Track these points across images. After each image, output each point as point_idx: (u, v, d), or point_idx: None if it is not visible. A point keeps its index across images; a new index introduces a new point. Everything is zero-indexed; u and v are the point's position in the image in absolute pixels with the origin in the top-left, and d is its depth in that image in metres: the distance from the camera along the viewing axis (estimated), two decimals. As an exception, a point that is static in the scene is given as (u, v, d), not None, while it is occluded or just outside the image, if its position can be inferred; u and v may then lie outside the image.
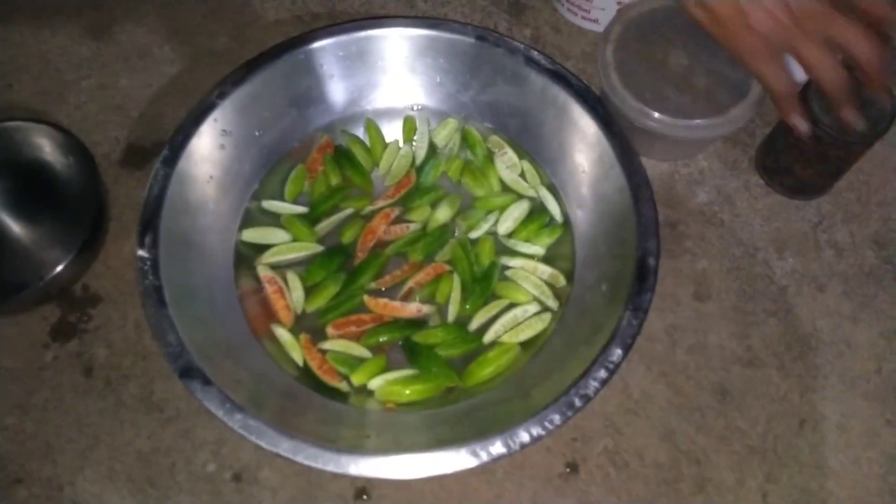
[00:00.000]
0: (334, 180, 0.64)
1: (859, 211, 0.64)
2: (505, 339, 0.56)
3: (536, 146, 0.65)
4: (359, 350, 0.56)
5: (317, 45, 0.63)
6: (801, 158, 0.61)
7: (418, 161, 0.65)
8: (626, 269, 0.54)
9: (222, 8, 0.76)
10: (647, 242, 0.54)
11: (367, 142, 0.66)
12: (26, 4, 0.77)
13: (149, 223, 0.54)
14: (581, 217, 0.62)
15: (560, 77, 0.61)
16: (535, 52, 0.62)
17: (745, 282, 0.61)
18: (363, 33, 0.64)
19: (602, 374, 0.50)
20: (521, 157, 0.65)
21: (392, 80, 0.66)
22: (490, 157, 0.65)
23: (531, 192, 0.64)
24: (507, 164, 0.65)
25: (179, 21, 0.76)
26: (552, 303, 0.58)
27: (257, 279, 0.59)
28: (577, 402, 0.49)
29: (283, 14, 0.76)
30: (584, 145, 0.61)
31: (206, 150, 0.60)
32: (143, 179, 0.59)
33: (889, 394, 0.57)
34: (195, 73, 0.73)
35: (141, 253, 0.53)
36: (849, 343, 0.59)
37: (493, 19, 0.76)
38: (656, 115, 0.59)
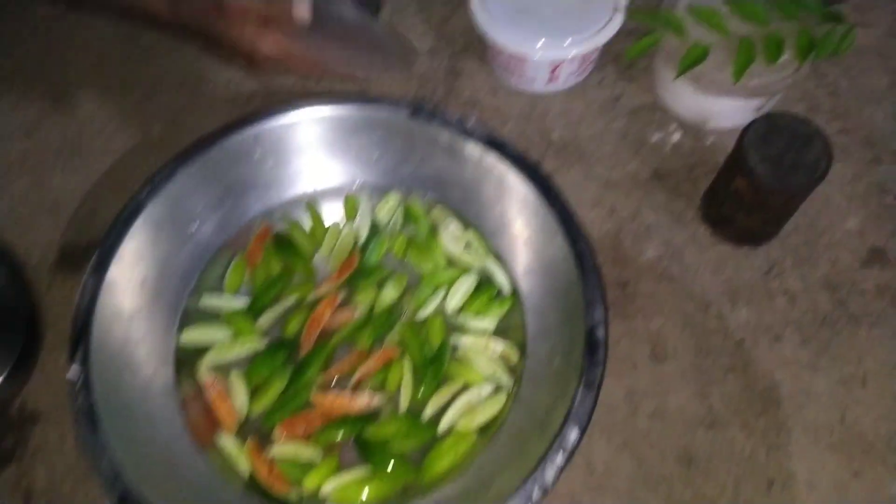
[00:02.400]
0: (275, 269, 0.62)
1: (808, 254, 0.64)
2: (461, 425, 0.55)
3: (479, 215, 0.64)
4: (309, 452, 0.53)
5: (248, 132, 0.62)
6: (742, 207, 0.60)
7: (361, 240, 0.64)
8: (576, 341, 0.53)
9: (155, 94, 0.75)
10: (595, 312, 0.53)
11: (308, 225, 0.65)
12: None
13: (79, 339, 0.52)
14: (529, 287, 0.60)
15: (496, 146, 0.61)
16: (470, 123, 0.62)
17: (701, 338, 0.60)
18: (294, 116, 0.63)
19: (560, 459, 0.48)
20: (465, 227, 0.64)
21: (328, 159, 0.65)
22: (434, 230, 0.64)
23: (478, 264, 0.62)
24: (452, 236, 0.64)
25: (112, 111, 0.74)
26: (506, 381, 0.57)
27: (199, 384, 0.57)
28: (537, 494, 0.47)
29: (219, 94, 0.75)
30: (525, 214, 0.60)
31: (139, 251, 0.58)
32: (79, 283, 0.57)
33: (854, 444, 0.56)
34: (129, 165, 0.71)
35: (70, 373, 0.50)
36: (809, 393, 0.58)
37: (431, 85, 0.75)
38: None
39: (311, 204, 0.65)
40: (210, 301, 0.61)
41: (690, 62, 0.64)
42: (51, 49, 0.78)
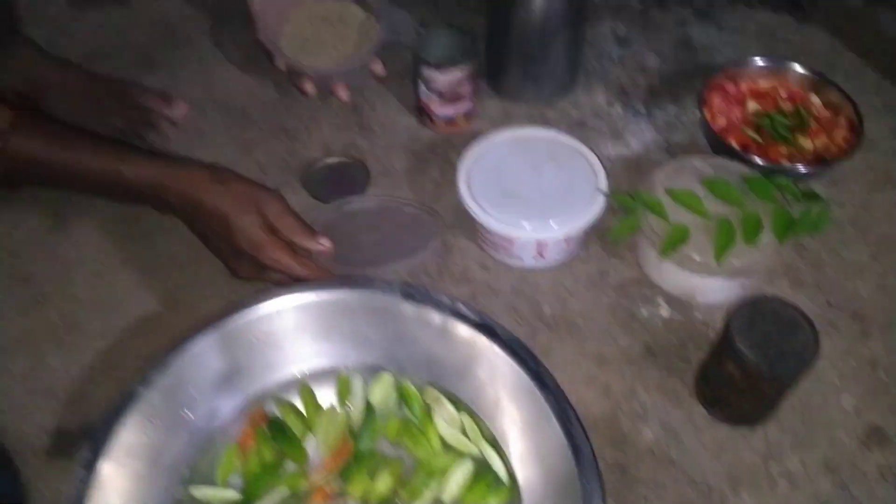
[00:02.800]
0: (268, 456, 0.61)
1: (806, 434, 0.63)
2: None
3: (474, 398, 0.64)
4: None
5: (241, 318, 0.63)
6: (735, 390, 0.61)
7: (355, 425, 0.63)
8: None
9: (155, 272, 0.76)
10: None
11: (301, 408, 0.65)
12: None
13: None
14: (526, 475, 0.59)
15: (488, 330, 0.61)
16: (462, 306, 0.63)
17: (705, 527, 0.59)
18: (286, 301, 0.64)
19: None
20: (459, 409, 0.64)
21: (321, 342, 0.66)
22: (428, 412, 0.64)
23: (474, 450, 0.62)
24: (447, 419, 0.63)
25: (111, 290, 0.75)
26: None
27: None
28: None
29: (217, 273, 0.76)
30: (519, 398, 0.60)
31: (130, 444, 0.57)
32: (71, 469, 0.55)
33: None
34: (125, 346, 0.71)
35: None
36: (821, 588, 0.56)
37: (423, 261, 0.77)
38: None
39: (304, 386, 0.65)
40: (201, 492, 0.59)
41: (672, 244, 0.67)
42: (54, 227, 0.80)
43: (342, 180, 0.84)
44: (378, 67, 0.87)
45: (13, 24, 0.84)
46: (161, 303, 0.74)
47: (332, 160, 0.85)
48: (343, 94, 0.86)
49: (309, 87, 0.85)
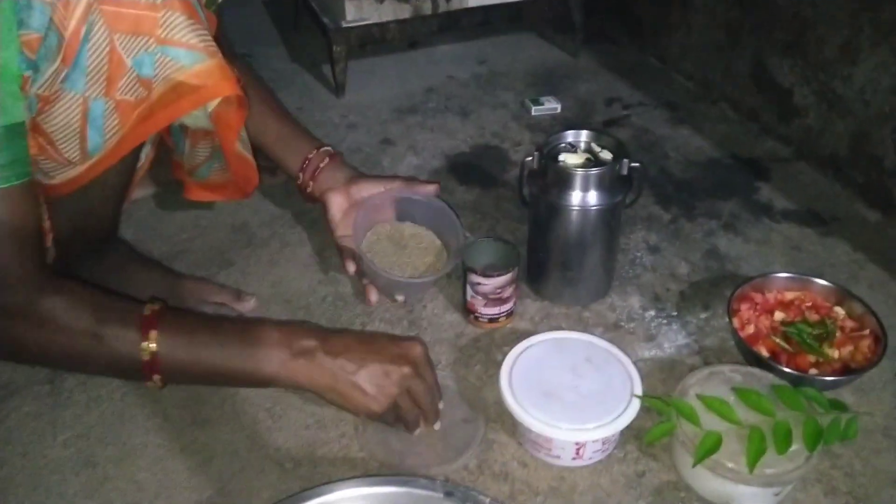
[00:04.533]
0: None
1: None
2: None
3: None
4: None
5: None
6: None
7: None
8: None
9: (211, 460, 0.81)
10: None
11: None
12: (27, 464, 0.81)
13: None
14: None
15: (526, 532, 0.64)
16: (501, 506, 0.66)
17: None
18: (338, 496, 0.68)
19: None
20: None
21: (366, 537, 0.69)
22: None
23: None
24: None
25: (166, 476, 0.80)
26: None
27: None
28: None
29: (269, 459, 0.81)
30: None
31: None
32: None
33: None
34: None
35: None
36: None
37: (465, 459, 0.80)
38: None
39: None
40: None
41: (705, 452, 0.70)
42: (121, 413, 0.87)
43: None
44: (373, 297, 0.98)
45: (116, 230, 0.97)
46: (216, 490, 0.78)
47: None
48: (401, 298, 0.96)
49: (373, 296, 0.96)
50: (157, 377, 0.74)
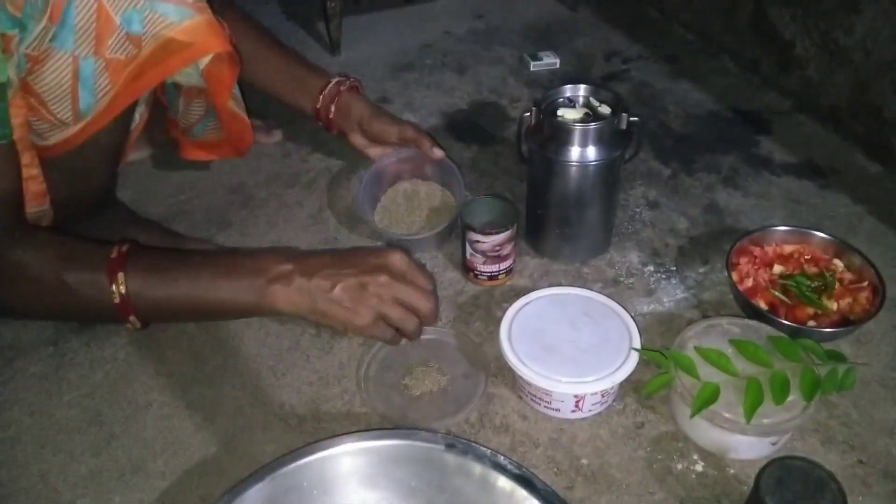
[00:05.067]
0: None
1: None
2: None
3: (512, 549, 0.66)
4: None
5: (298, 463, 0.68)
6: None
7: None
8: None
9: (216, 417, 0.82)
10: None
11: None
12: (34, 424, 0.83)
13: None
14: None
15: (526, 482, 0.65)
16: (501, 458, 0.67)
17: None
18: (339, 448, 0.69)
19: None
20: (498, 560, 0.66)
21: (368, 490, 0.70)
22: (468, 562, 0.66)
23: None
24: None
25: (172, 432, 0.81)
26: None
27: None
28: None
29: (273, 416, 0.82)
30: (557, 552, 0.62)
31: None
32: None
33: None
34: (185, 487, 0.76)
35: None
36: None
37: (467, 411, 0.82)
38: None
39: (351, 533, 0.69)
40: None
41: (703, 403, 0.70)
42: (126, 372, 0.88)
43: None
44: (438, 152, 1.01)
45: (113, 192, 0.97)
46: (221, 446, 0.79)
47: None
48: None
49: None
50: (132, 318, 0.75)
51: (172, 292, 0.75)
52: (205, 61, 0.76)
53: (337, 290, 0.75)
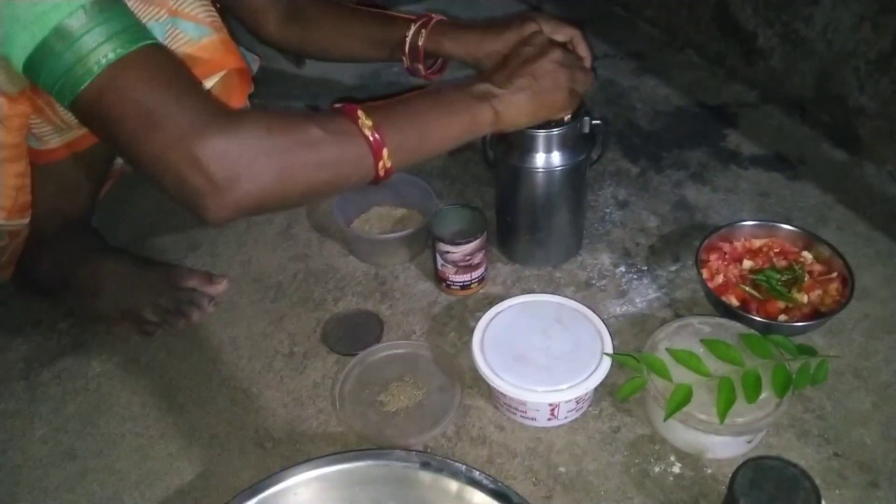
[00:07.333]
0: None
1: None
2: None
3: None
4: None
5: (269, 491, 0.67)
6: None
7: None
8: None
9: (191, 445, 0.81)
10: None
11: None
12: (6, 461, 0.81)
13: None
14: None
15: (503, 497, 0.65)
16: (477, 473, 0.66)
17: None
18: (315, 473, 0.68)
19: None
20: (478, 577, 0.66)
21: (346, 511, 0.69)
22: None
23: None
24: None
25: (150, 463, 0.80)
26: None
27: None
28: None
29: (248, 441, 0.81)
30: (535, 565, 0.62)
31: None
32: None
33: None
34: (161, 519, 0.75)
35: None
36: None
37: (443, 424, 0.81)
38: None
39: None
40: None
41: (675, 406, 0.70)
42: (98, 404, 0.86)
43: (356, 332, 0.92)
44: None
45: (89, 218, 0.97)
46: (197, 475, 0.78)
47: (343, 312, 0.95)
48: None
49: None
50: (384, 157, 0.68)
51: (415, 122, 0.72)
52: (217, 77, 0.78)
53: (540, 80, 0.77)
